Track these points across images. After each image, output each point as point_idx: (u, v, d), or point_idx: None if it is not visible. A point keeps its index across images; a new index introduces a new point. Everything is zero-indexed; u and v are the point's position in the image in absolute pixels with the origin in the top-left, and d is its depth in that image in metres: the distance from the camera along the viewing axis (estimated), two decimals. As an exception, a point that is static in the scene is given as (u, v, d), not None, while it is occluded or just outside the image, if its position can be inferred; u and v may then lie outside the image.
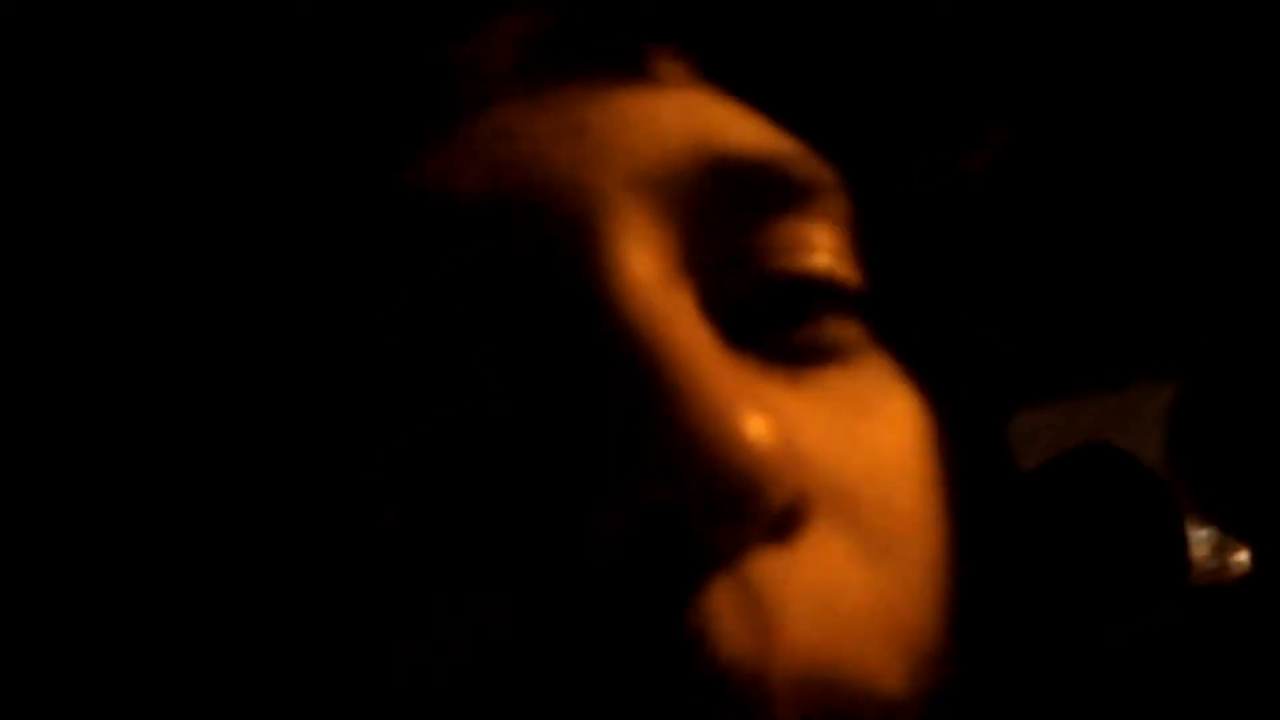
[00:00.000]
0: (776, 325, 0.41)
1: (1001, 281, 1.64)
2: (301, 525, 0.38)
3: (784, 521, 0.37)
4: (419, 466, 0.37)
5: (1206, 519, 1.72)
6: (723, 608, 0.35)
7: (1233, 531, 1.70)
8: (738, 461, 0.34)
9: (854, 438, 0.41)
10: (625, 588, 0.35)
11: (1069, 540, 1.62)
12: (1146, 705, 1.63)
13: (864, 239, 0.43)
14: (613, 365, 0.36)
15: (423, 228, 0.37)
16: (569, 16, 0.38)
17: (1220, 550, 2.77)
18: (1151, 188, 1.51)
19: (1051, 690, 1.64)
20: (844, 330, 0.42)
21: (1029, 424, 1.79)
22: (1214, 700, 1.60)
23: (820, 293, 0.41)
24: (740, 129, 0.39)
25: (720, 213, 0.39)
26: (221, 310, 0.39)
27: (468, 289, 0.37)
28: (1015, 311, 1.65)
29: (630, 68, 0.38)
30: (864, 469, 0.41)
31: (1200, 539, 2.44)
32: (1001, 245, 1.55)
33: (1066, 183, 1.52)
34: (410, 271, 0.37)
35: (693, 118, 0.38)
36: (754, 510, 0.35)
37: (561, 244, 0.37)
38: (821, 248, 0.41)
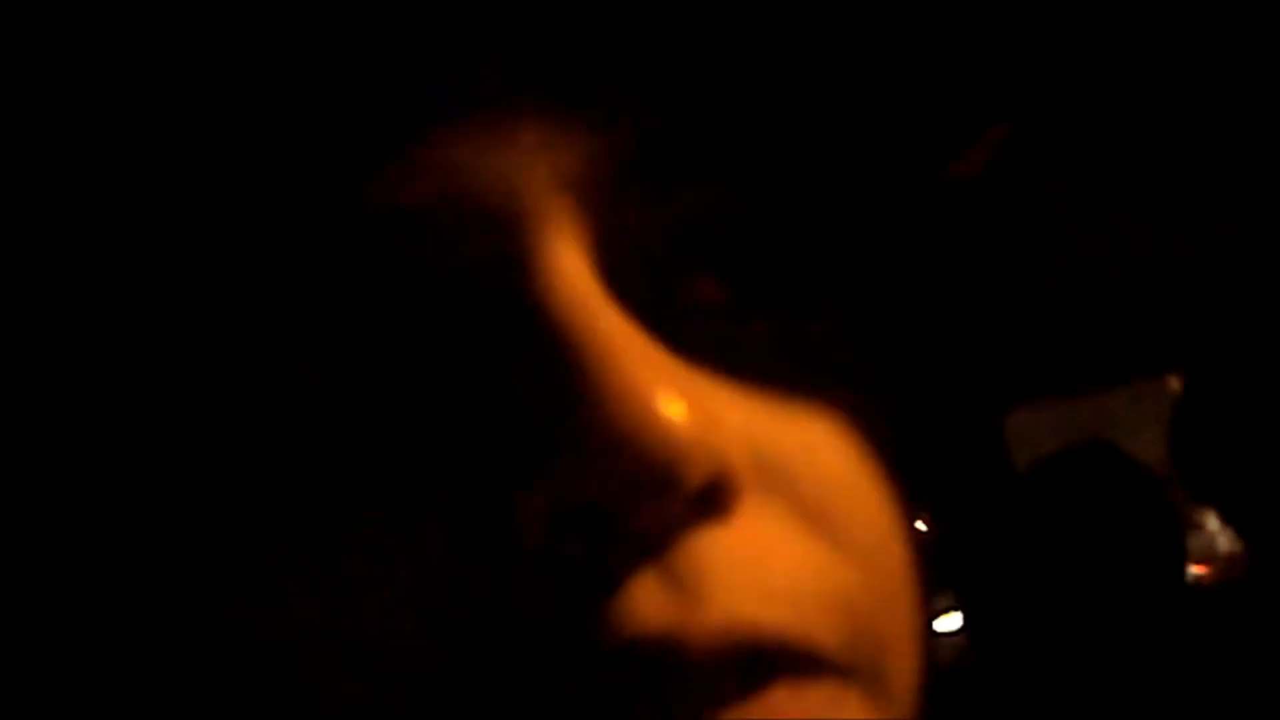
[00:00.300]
0: (705, 308, 0.42)
1: (994, 279, 1.64)
2: (242, 515, 0.39)
3: (709, 498, 0.38)
4: (360, 465, 0.39)
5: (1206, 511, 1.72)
6: (642, 583, 0.37)
7: (1234, 527, 1.70)
8: (653, 442, 0.36)
9: (787, 416, 0.42)
10: (548, 572, 0.37)
11: (1066, 537, 1.62)
12: (1144, 702, 1.63)
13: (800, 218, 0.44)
14: (541, 358, 0.38)
15: (372, 234, 0.39)
16: (515, 43, 0.40)
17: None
18: (1148, 183, 1.51)
19: (1050, 685, 1.64)
20: (772, 312, 0.43)
21: (1029, 422, 1.79)
22: (1210, 696, 1.60)
23: (743, 271, 0.43)
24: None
25: (635, 200, 0.41)
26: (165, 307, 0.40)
27: (407, 291, 0.40)
28: (1012, 309, 1.65)
29: (561, 90, 0.41)
30: (798, 445, 0.41)
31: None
32: (992, 246, 1.55)
33: (1062, 187, 1.52)
34: (357, 277, 0.39)
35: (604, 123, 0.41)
36: (672, 489, 0.37)
37: (495, 246, 0.40)
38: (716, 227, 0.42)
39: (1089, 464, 1.65)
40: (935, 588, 1.72)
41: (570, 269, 0.39)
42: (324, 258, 0.39)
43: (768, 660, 0.38)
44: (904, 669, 0.42)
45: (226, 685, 0.39)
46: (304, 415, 0.39)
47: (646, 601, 0.37)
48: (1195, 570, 1.79)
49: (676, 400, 0.37)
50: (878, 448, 0.43)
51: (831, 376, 0.43)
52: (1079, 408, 1.89)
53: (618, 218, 0.41)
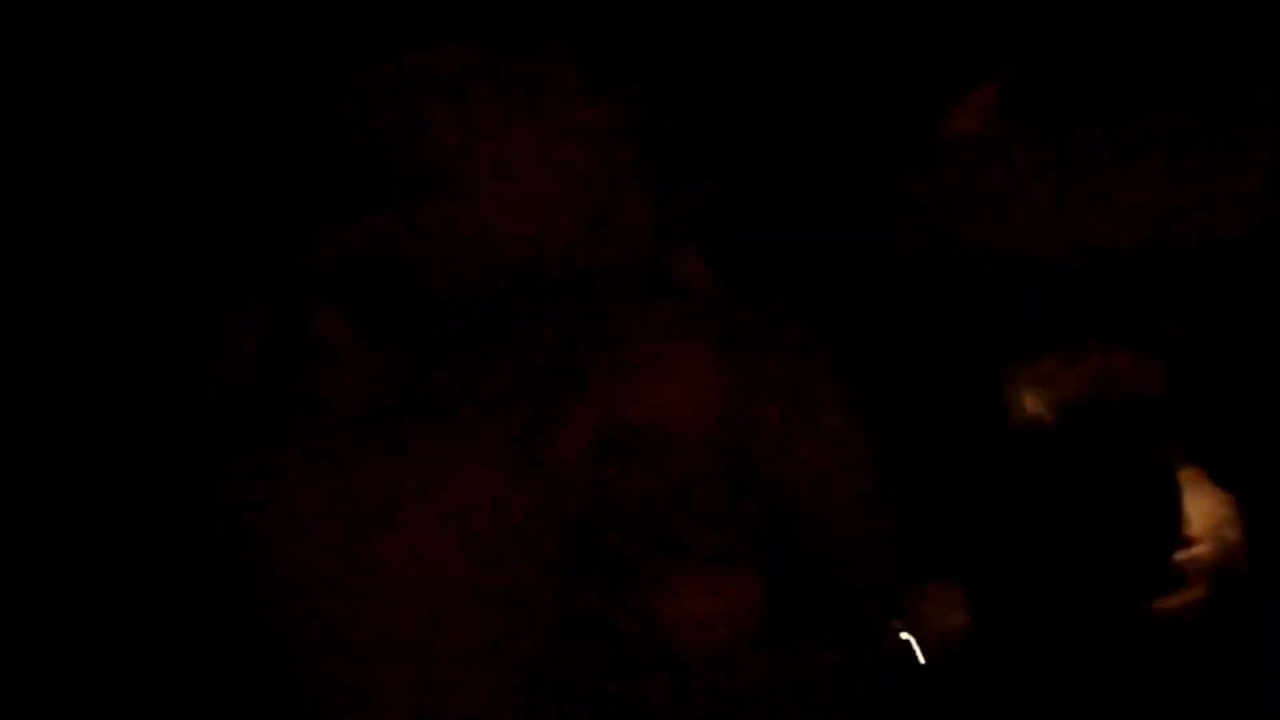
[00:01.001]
0: (697, 295, 0.44)
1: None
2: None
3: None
4: (422, 375, 0.40)
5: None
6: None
7: (1233, 492, 1.70)
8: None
9: (766, 403, 0.44)
10: (589, 495, 0.39)
11: (1065, 499, 1.62)
12: (1142, 684, 1.63)
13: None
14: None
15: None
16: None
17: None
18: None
19: (1051, 659, 1.64)
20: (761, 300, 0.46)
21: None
22: (1209, 667, 1.60)
23: (736, 261, 0.45)
24: None
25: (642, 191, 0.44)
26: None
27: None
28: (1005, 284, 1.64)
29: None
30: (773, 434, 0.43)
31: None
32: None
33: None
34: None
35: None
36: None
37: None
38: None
39: (1087, 426, 1.65)
40: (940, 578, 1.71)
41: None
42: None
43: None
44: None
45: (256, 609, 0.39)
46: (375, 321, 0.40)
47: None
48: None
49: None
50: (857, 439, 0.44)
51: (815, 366, 0.45)
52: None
53: (626, 207, 0.42)
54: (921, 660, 1.30)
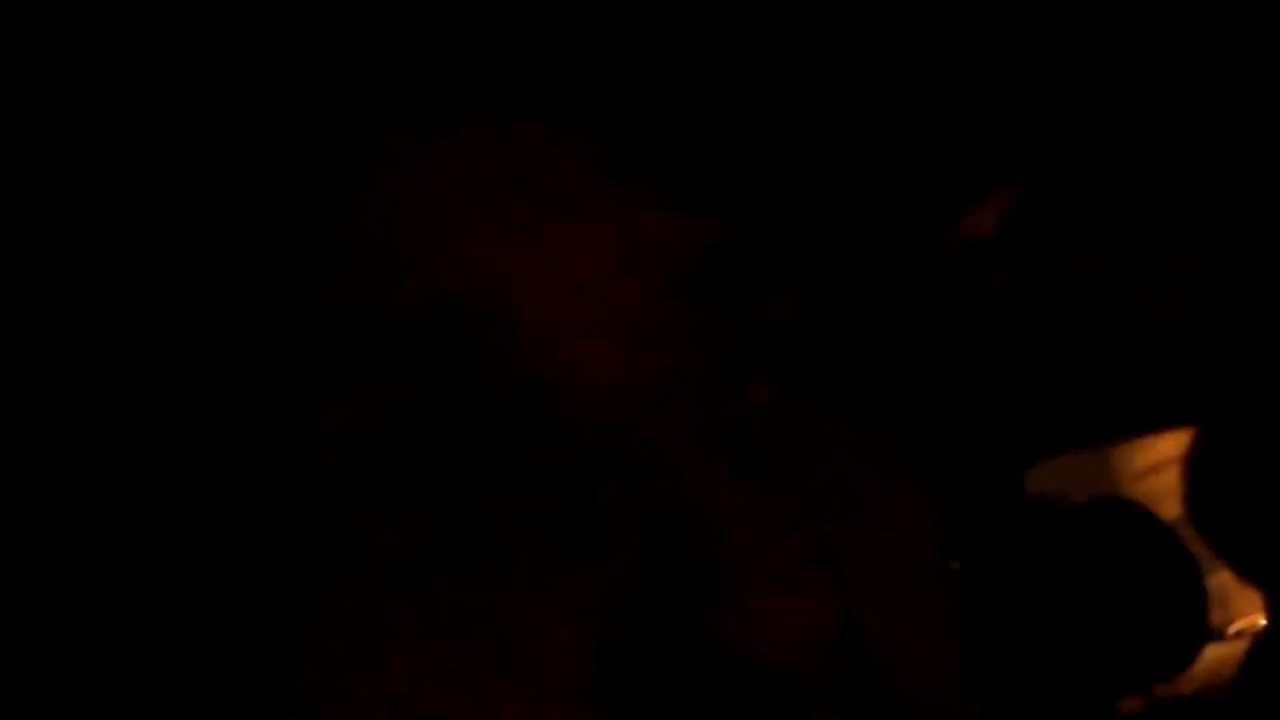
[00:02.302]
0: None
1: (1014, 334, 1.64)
2: None
3: None
4: None
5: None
6: None
7: (1250, 580, 1.69)
8: None
9: None
10: None
11: (1087, 588, 1.62)
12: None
13: None
14: None
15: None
16: None
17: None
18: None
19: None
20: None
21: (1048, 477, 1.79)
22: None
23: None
24: None
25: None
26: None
27: None
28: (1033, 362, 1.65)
29: None
30: None
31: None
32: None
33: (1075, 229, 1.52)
34: None
35: None
36: None
37: None
38: None
39: (1109, 517, 1.65)
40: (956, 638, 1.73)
41: None
42: None
43: None
44: None
45: None
46: None
47: None
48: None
49: None
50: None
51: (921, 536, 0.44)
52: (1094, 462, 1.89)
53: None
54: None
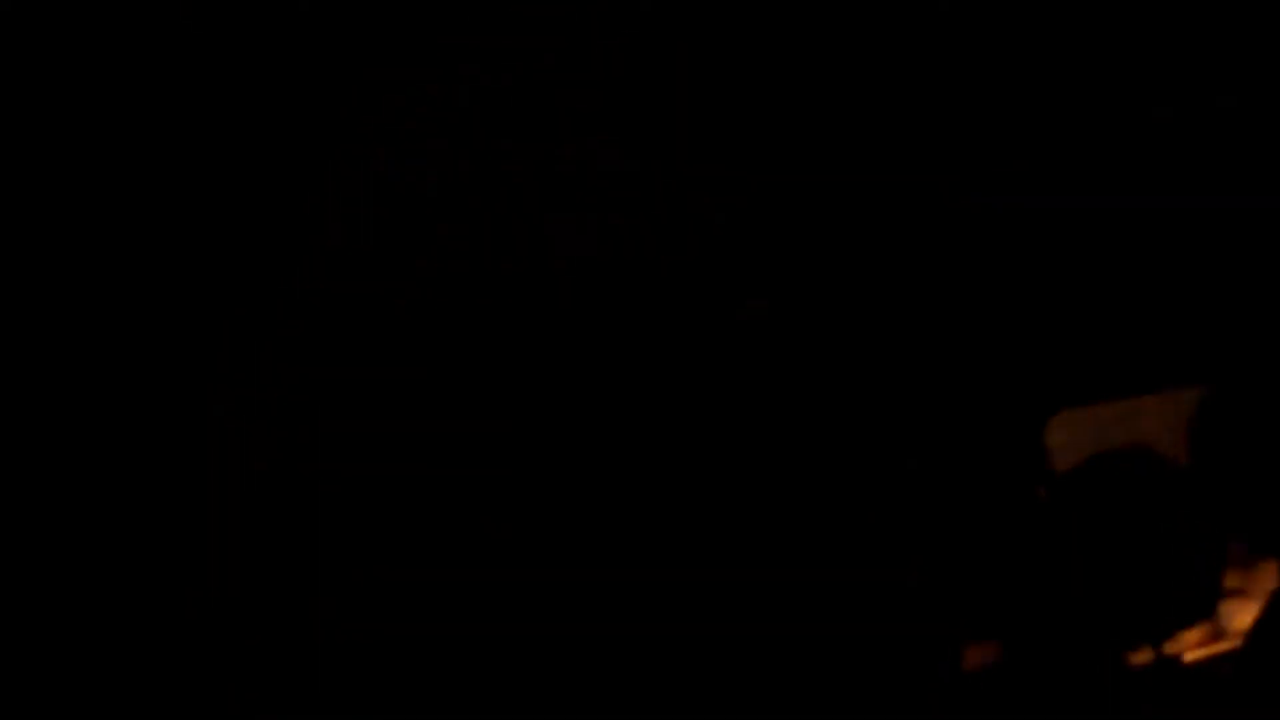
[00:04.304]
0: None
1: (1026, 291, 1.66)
2: None
3: None
4: None
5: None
6: None
7: (1253, 542, 1.71)
8: None
9: None
10: None
11: (1106, 541, 1.63)
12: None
13: None
14: None
15: None
16: None
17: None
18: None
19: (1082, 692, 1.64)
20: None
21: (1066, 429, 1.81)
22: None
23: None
24: None
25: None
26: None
27: None
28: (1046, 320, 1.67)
29: None
30: None
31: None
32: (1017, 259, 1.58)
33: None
34: None
35: None
36: None
37: None
38: None
39: (1129, 468, 1.66)
40: (972, 604, 1.73)
41: None
42: None
43: None
44: None
45: None
46: None
47: None
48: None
49: None
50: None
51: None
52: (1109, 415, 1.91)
53: None
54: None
